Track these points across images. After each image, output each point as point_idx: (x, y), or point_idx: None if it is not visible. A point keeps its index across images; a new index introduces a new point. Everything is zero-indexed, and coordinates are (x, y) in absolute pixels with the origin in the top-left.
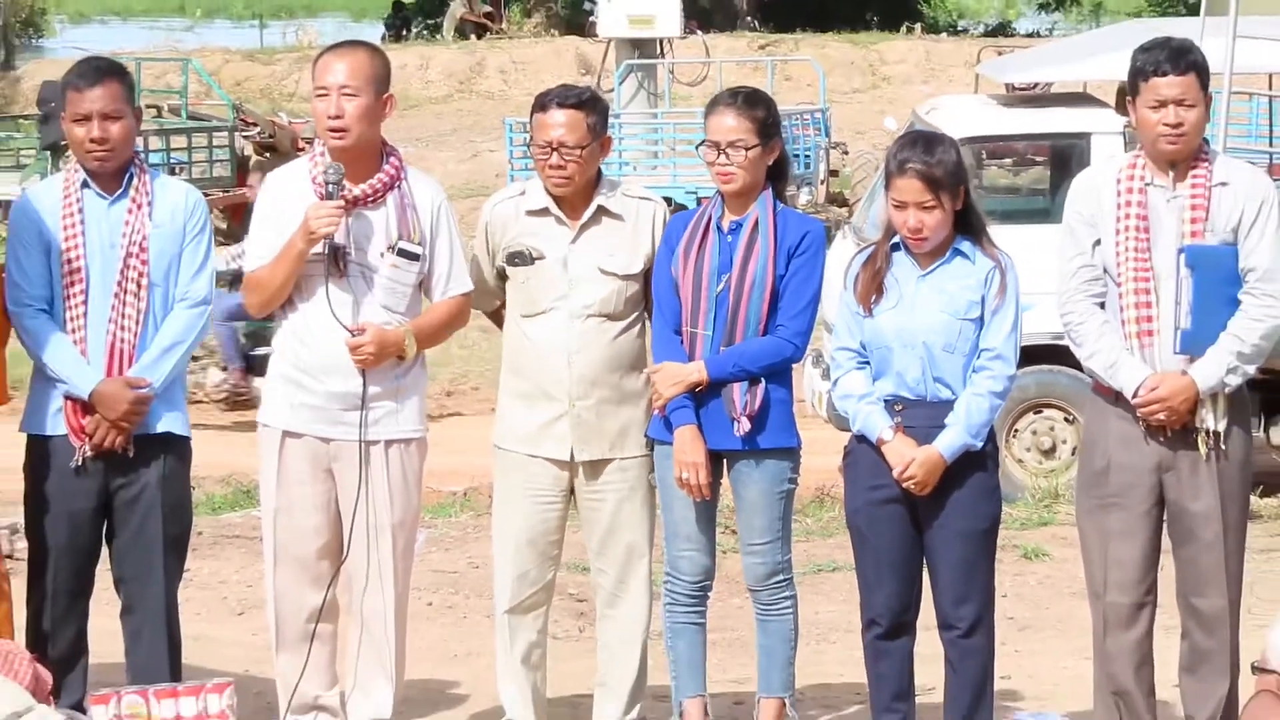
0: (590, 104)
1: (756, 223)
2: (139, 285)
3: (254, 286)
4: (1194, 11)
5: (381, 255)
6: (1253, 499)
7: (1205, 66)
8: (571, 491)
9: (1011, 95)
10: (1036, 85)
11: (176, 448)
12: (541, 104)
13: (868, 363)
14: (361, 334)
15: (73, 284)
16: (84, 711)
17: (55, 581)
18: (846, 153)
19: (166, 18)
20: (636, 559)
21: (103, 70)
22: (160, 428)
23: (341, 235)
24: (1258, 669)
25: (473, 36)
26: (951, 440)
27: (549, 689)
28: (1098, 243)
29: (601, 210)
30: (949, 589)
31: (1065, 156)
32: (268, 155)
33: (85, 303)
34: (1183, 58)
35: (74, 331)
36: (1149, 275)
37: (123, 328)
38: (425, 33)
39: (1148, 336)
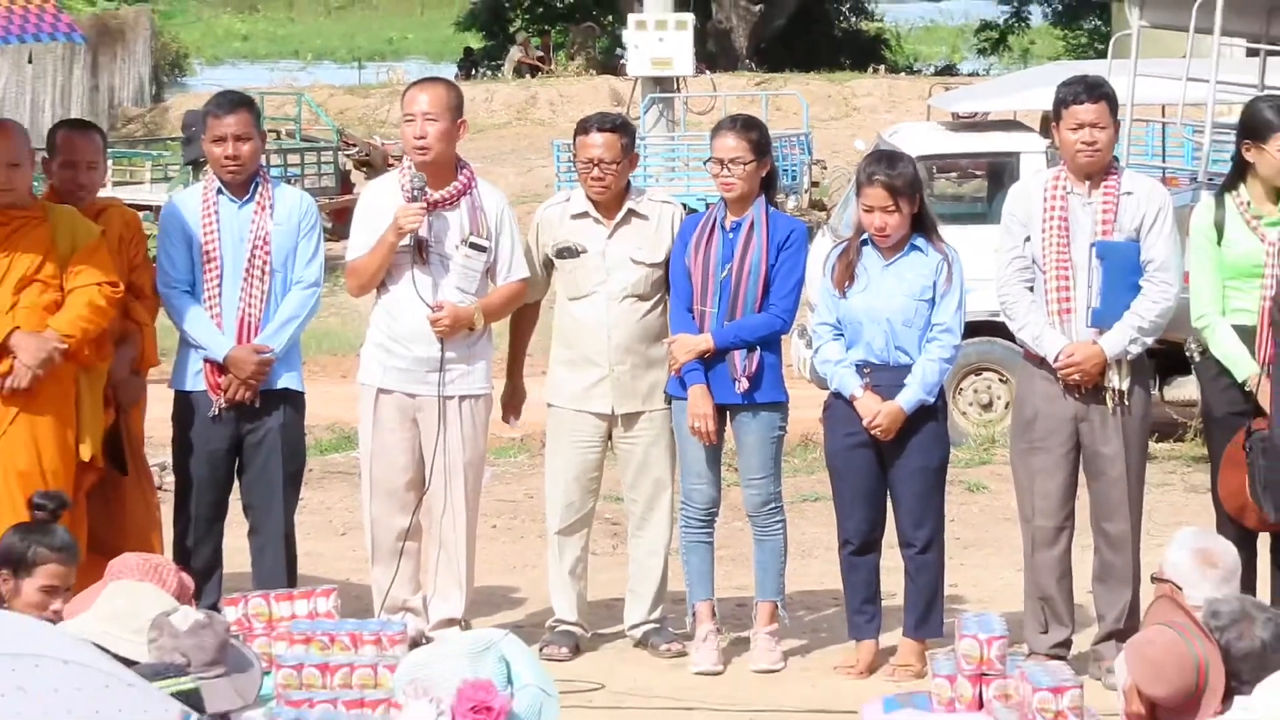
0: (622, 128)
1: (753, 223)
2: (263, 271)
3: (354, 272)
4: (1103, 55)
5: (456, 247)
6: (1150, 444)
7: (1114, 97)
8: (609, 437)
9: (956, 122)
10: (977, 114)
11: (293, 400)
12: (584, 128)
13: (842, 335)
14: (440, 310)
15: (210, 271)
16: (219, 611)
17: (196, 508)
18: (825, 168)
19: (285, 60)
20: (661, 491)
21: (235, 101)
22: (280, 384)
23: (424, 231)
24: (1155, 579)
25: (527, 75)
26: (909, 396)
27: (590, 594)
28: (1028, 239)
29: (631, 212)
30: (908, 515)
31: (999, 171)
32: (365, 170)
33: (220, 285)
34: (1096, 89)
35: (211, 308)
36: (1068, 264)
37: (250, 305)
38: (489, 72)
39: (1066, 314)
